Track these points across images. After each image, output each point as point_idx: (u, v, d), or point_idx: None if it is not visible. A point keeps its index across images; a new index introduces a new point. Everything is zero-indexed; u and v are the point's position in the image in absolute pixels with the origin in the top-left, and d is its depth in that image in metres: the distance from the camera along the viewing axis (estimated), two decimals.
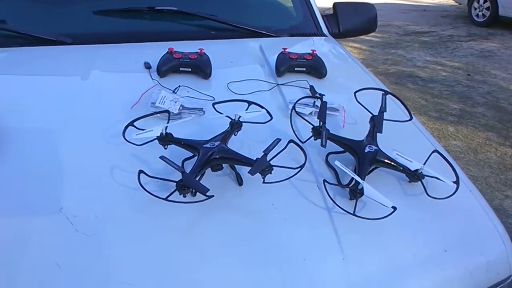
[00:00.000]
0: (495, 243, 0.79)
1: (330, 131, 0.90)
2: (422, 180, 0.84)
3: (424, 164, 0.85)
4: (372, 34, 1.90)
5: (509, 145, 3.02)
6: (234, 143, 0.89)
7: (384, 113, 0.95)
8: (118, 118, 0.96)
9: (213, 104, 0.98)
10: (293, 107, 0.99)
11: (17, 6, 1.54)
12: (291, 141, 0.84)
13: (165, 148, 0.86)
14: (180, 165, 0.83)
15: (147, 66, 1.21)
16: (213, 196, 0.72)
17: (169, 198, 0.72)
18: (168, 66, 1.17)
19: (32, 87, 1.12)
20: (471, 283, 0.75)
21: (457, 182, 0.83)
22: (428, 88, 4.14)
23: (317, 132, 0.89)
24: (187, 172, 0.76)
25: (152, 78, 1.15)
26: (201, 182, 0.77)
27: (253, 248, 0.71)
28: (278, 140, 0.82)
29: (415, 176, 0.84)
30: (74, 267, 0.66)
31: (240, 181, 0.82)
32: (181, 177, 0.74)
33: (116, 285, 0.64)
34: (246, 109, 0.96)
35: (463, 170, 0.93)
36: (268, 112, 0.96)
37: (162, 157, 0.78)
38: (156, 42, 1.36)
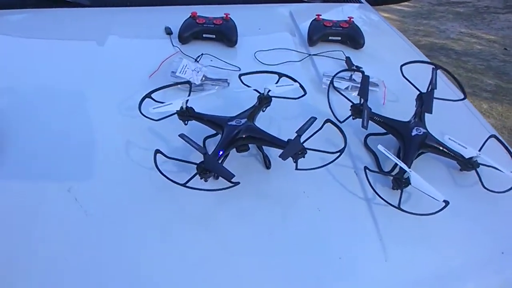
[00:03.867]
0: None
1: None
2: (477, 169, 0.73)
3: (480, 150, 0.74)
4: (404, 3, 1.77)
5: None
6: (262, 121, 0.79)
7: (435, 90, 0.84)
8: (135, 88, 0.87)
9: (240, 76, 0.88)
10: (331, 82, 0.88)
11: None
12: (328, 120, 0.73)
13: (185, 124, 0.77)
14: (201, 144, 0.74)
15: (168, 31, 1.11)
16: (238, 183, 0.63)
17: (188, 184, 0.63)
18: (191, 32, 1.08)
19: (45, 51, 1.04)
20: None
21: None
22: (461, 62, 3.93)
23: (357, 110, 0.78)
24: (209, 153, 0.67)
25: (173, 45, 1.06)
26: (223, 164, 0.69)
27: (281, 244, 0.62)
28: (314, 119, 0.72)
29: (469, 164, 0.73)
30: (82, 251, 0.59)
31: (268, 164, 0.73)
32: (202, 159, 0.66)
33: (125, 275, 0.57)
34: (276, 82, 0.85)
35: None
36: (301, 86, 0.85)
37: (181, 135, 0.69)
38: (178, 5, 1.26)
